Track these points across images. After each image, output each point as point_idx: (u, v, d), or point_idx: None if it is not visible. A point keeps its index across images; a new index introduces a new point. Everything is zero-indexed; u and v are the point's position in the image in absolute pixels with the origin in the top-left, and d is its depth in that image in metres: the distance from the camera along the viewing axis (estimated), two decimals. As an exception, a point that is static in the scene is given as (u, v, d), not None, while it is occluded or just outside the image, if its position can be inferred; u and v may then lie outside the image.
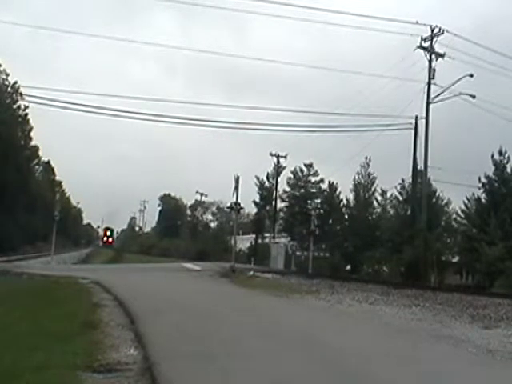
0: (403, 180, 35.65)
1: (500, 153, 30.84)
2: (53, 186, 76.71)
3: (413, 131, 33.67)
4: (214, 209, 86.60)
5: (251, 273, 29.56)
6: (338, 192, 43.65)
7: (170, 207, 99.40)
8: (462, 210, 32.83)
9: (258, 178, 54.27)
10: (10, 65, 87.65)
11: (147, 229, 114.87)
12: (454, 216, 34.02)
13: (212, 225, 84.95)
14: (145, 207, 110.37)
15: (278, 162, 53.08)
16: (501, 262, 26.65)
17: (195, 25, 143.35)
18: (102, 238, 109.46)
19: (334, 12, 78.93)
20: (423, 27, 31.87)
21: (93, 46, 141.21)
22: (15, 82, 47.88)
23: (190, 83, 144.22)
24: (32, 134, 58.16)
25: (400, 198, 36.34)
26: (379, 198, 39.66)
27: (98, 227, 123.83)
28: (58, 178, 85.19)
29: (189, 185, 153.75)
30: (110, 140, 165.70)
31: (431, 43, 32.08)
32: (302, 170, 46.51)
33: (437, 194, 34.77)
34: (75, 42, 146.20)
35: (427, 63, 32.14)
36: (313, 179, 46.24)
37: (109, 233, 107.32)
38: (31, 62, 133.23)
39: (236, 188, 36.34)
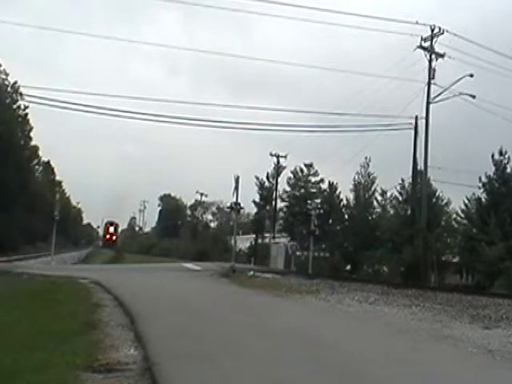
0: (403, 180, 35.68)
1: (500, 153, 30.81)
2: (53, 186, 76.72)
3: (413, 131, 33.69)
4: (214, 209, 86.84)
5: (251, 273, 29.53)
6: (338, 192, 43.67)
7: (170, 207, 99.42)
8: (462, 210, 32.80)
9: (257, 178, 54.32)
10: (11, 65, 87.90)
11: (147, 229, 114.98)
12: (454, 216, 34.03)
13: (212, 225, 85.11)
14: (145, 207, 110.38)
15: (278, 162, 53.14)
16: (501, 261, 26.64)
17: (198, 25, 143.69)
18: (105, 235, 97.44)
19: (335, 12, 78.81)
20: (423, 27, 31.90)
21: (94, 46, 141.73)
22: (15, 82, 47.93)
23: (191, 83, 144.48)
24: (32, 134, 58.31)
25: (400, 198, 36.33)
26: (379, 198, 39.66)
27: (98, 227, 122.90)
28: (58, 177, 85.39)
29: (189, 185, 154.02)
30: (110, 140, 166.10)
31: (431, 43, 32.05)
32: (302, 170, 46.55)
33: (437, 194, 34.76)
34: (76, 41, 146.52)
35: (427, 63, 32.14)
36: (313, 179, 46.27)
37: (112, 229, 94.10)
38: (32, 61, 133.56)
39: (236, 188, 36.35)
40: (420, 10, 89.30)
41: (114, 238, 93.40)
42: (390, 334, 10.06)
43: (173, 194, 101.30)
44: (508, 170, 30.77)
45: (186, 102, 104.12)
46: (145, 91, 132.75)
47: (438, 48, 32.07)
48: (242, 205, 39.72)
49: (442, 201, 35.19)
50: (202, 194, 78.08)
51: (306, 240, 41.85)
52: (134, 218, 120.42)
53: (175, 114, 47.23)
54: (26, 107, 51.21)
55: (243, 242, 55.27)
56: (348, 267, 39.44)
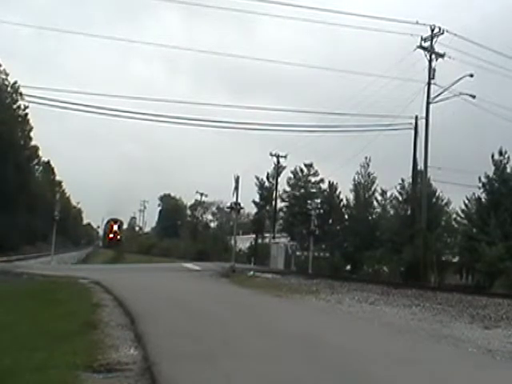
0: (403, 180, 35.68)
1: (500, 153, 30.78)
2: (53, 186, 76.80)
3: (413, 131, 33.68)
4: (214, 209, 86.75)
5: (251, 273, 29.56)
6: (338, 192, 43.67)
7: (170, 207, 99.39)
8: (462, 210, 32.78)
9: (257, 178, 54.38)
10: (11, 65, 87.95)
11: (147, 229, 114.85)
12: (454, 216, 34.01)
13: (212, 225, 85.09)
14: (145, 207, 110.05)
15: (278, 162, 53.16)
16: (501, 261, 26.63)
17: (198, 24, 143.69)
18: (107, 234, 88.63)
19: (335, 12, 78.99)
20: (423, 27, 31.89)
21: (94, 46, 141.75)
22: (15, 82, 48.06)
23: (192, 83, 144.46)
24: (32, 134, 58.41)
25: (400, 198, 36.33)
26: (379, 197, 39.67)
27: (98, 227, 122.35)
28: (58, 177, 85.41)
29: (189, 185, 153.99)
30: (110, 140, 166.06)
31: (431, 43, 32.03)
32: (302, 170, 46.56)
33: (437, 194, 34.76)
34: (76, 41, 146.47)
35: (427, 63, 32.12)
36: (313, 179, 46.28)
37: (116, 227, 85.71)
38: (32, 61, 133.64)
39: (236, 188, 36.44)
40: (420, 10, 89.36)
41: (119, 236, 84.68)
42: (389, 334, 10.06)
43: (173, 194, 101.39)
44: (508, 170, 30.74)
45: (186, 102, 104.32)
46: (145, 91, 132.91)
47: (438, 48, 32.09)
48: (242, 205, 39.88)
49: (442, 201, 35.19)
50: (202, 194, 78.12)
51: (306, 240, 41.86)
52: (134, 217, 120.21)
53: (175, 114, 47.36)
54: (26, 107, 51.41)
55: (243, 242, 55.28)
56: (348, 267, 39.44)
